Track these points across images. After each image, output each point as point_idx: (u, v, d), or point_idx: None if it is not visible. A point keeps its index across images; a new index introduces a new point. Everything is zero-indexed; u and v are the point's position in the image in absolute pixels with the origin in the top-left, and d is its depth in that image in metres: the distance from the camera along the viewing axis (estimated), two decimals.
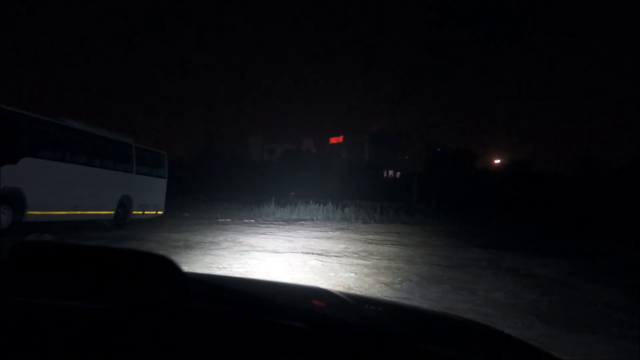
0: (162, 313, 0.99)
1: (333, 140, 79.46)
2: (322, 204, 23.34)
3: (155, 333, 0.92)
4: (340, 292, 1.56)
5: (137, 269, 1.00)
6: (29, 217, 10.52)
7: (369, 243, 12.13)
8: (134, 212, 14.73)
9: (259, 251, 9.68)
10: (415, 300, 6.04)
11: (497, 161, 49.70)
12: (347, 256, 9.49)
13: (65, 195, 11.55)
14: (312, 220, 20.34)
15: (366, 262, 8.76)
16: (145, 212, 15.42)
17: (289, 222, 18.99)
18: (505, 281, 7.55)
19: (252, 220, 18.62)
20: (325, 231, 15.24)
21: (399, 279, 7.31)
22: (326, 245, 11.30)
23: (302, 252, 9.73)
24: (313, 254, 9.59)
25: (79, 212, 12.16)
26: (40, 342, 0.86)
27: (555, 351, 1.23)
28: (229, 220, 18.14)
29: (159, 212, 16.39)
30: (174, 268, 0.97)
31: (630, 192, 27.90)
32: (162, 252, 8.57)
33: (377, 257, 9.51)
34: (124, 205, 14.22)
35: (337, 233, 14.73)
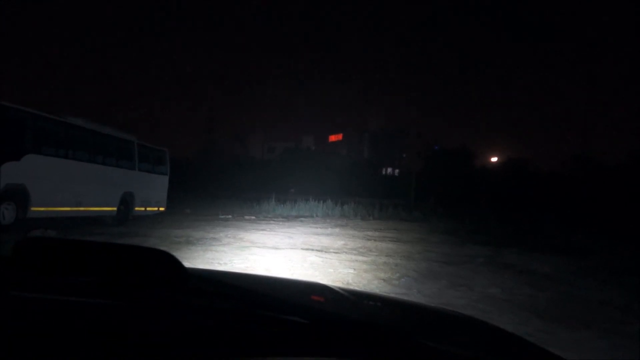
0: (164, 308, 1.01)
1: (332, 138, 79.36)
2: (321, 201, 23.40)
3: (158, 328, 0.94)
4: (339, 288, 1.57)
5: (139, 264, 1.01)
6: (33, 213, 10.62)
7: (368, 239, 12.22)
8: (136, 209, 14.82)
9: (259, 247, 9.76)
10: (413, 295, 6.12)
11: (494, 159, 49.62)
12: (346, 252, 9.57)
13: (68, 192, 11.64)
14: (312, 217, 20.41)
15: (365, 258, 8.85)
16: (147, 209, 15.50)
17: (288, 218, 19.07)
18: (502, 277, 7.63)
19: (253, 217, 18.71)
20: (324, 228, 15.32)
21: (397, 275, 7.39)
22: (325, 241, 11.39)
23: (301, 249, 9.81)
24: (312, 250, 9.67)
25: (82, 209, 12.26)
26: (44, 337, 0.87)
27: (551, 347, 1.30)
28: (229, 216, 18.22)
29: (161, 209, 16.48)
30: (176, 264, 0.97)
31: (627, 189, 27.99)
32: (164, 247, 8.65)
33: (375, 254, 9.60)
34: (126, 202, 14.31)
35: (336, 230, 14.81)
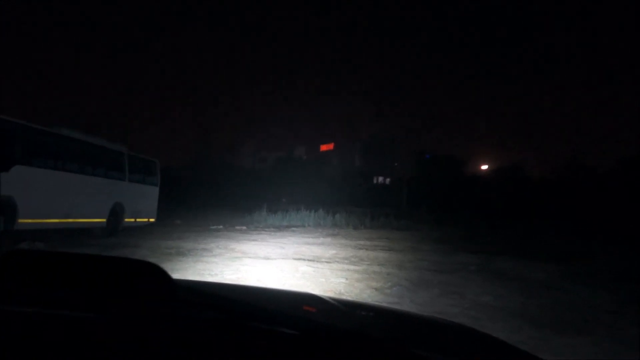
0: (152, 320, 0.99)
1: (324, 147, 79.52)
2: (313, 211, 23.37)
3: (145, 341, 0.93)
4: (331, 298, 1.57)
5: (126, 276, 1.00)
6: (21, 225, 10.50)
7: (360, 249, 12.20)
8: (126, 220, 14.71)
9: (250, 258, 9.72)
10: (405, 304, 6.12)
11: (485, 167, 49.98)
12: (337, 262, 9.55)
13: (57, 203, 11.54)
14: (303, 226, 20.37)
15: (357, 268, 8.83)
16: (138, 220, 15.40)
17: (280, 228, 19.02)
18: (494, 285, 7.64)
19: (244, 227, 18.63)
20: (316, 237, 15.29)
21: (389, 284, 7.38)
22: (317, 251, 11.35)
23: (293, 259, 9.78)
24: (304, 260, 9.64)
25: (71, 220, 12.14)
26: (30, 351, 0.86)
27: (543, 353, 1.29)
28: (220, 227, 18.14)
29: (151, 220, 16.36)
30: (163, 275, 0.97)
31: (616, 195, 28.27)
32: (152, 259, 8.60)
33: (367, 263, 9.58)
34: (116, 213, 14.20)
35: (328, 239, 14.78)
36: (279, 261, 9.33)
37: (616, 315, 5.90)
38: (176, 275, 0.97)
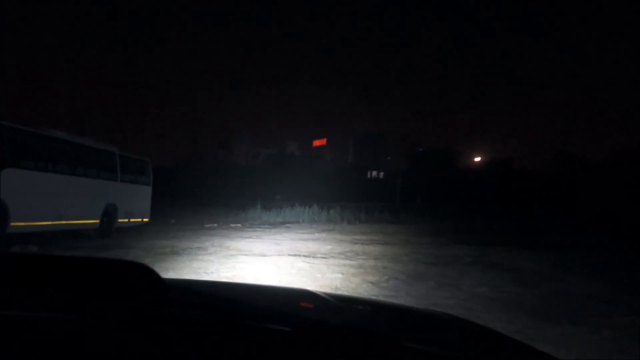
0: (142, 321, 0.98)
1: (317, 143, 79.58)
2: (307, 207, 23.39)
3: (135, 341, 0.92)
4: (324, 293, 1.57)
5: (115, 277, 0.99)
6: (13, 228, 10.39)
7: (355, 243, 12.21)
8: (120, 220, 14.62)
9: (246, 255, 9.70)
10: (401, 297, 6.12)
11: (478, 159, 50.13)
12: (333, 257, 9.55)
13: (49, 206, 11.44)
14: (298, 222, 20.37)
15: (352, 262, 8.83)
16: (131, 220, 15.31)
17: (275, 225, 19.01)
18: (489, 276, 7.67)
19: (239, 225, 18.61)
20: (311, 233, 15.29)
21: (385, 277, 7.38)
22: (312, 247, 11.35)
23: (288, 255, 9.76)
24: (300, 256, 9.63)
25: (63, 222, 12.04)
26: (22, 354, 0.86)
27: (539, 343, 1.29)
28: (215, 225, 18.10)
29: (145, 220, 16.27)
30: (152, 275, 0.96)
31: (608, 185, 28.42)
32: (147, 259, 8.55)
33: (363, 257, 9.59)
34: (109, 214, 14.11)
35: (323, 234, 14.79)
36: (274, 258, 9.32)
37: (609, 304, 5.93)
38: (172, 274, 0.95)
